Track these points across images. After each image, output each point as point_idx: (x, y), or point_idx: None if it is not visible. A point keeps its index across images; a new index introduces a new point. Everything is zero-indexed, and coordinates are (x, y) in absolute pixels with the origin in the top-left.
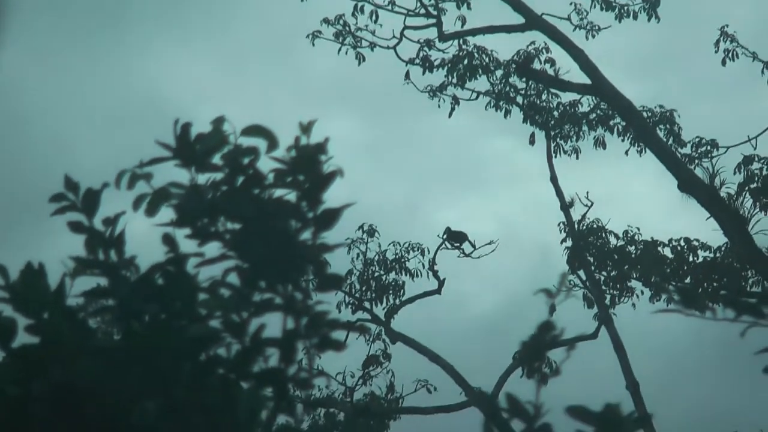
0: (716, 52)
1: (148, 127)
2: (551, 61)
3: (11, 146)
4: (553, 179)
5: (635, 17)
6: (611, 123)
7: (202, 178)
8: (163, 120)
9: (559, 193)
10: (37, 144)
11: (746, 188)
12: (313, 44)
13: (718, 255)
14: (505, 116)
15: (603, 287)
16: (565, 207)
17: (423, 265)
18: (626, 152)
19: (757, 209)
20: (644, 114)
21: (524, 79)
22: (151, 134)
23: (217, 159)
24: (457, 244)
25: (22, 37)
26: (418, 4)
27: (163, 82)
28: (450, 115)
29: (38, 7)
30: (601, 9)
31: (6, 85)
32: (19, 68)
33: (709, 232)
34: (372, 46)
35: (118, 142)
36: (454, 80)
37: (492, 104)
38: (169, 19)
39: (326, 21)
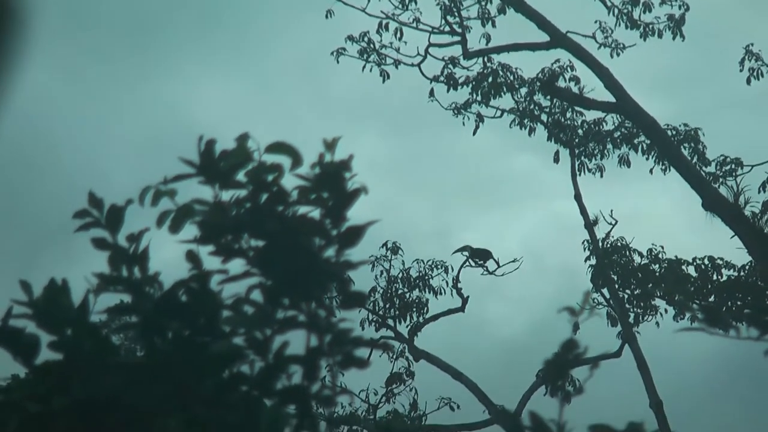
0: (741, 70)
1: (175, 148)
2: (576, 79)
3: (41, 169)
4: (578, 197)
5: (660, 36)
6: (636, 141)
7: (226, 195)
8: (189, 140)
9: (583, 211)
10: (67, 166)
11: None
12: (338, 61)
13: (742, 273)
14: (530, 134)
15: (627, 305)
16: (590, 225)
17: (447, 282)
18: (651, 170)
19: None
20: (669, 132)
21: (549, 97)
22: (177, 155)
23: (241, 176)
24: (481, 262)
25: (53, 61)
26: (443, 22)
27: (190, 102)
28: (474, 132)
29: (69, 31)
30: (626, 27)
31: (38, 109)
32: (51, 92)
33: (734, 251)
34: (396, 63)
35: (145, 162)
36: (479, 98)
37: (516, 122)
38: (195, 42)
39: (351, 38)
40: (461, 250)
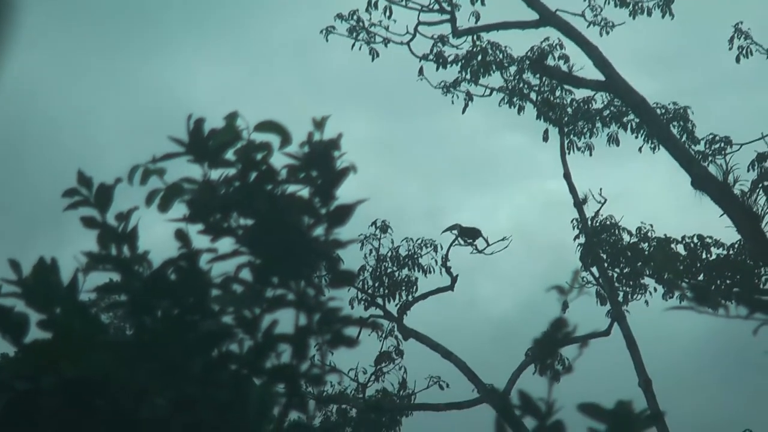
0: (730, 49)
1: (168, 128)
2: (565, 58)
3: (35, 150)
4: (567, 176)
5: (649, 14)
6: (625, 120)
7: (215, 174)
8: (182, 121)
9: (572, 189)
10: (61, 148)
11: (760, 185)
12: (327, 40)
13: (731, 252)
14: (519, 113)
15: (616, 284)
16: (579, 204)
17: (436, 261)
18: (640, 149)
19: None
20: (658, 111)
21: (538, 76)
22: (168, 135)
23: (230, 154)
24: (470, 241)
25: (46, 42)
26: (432, 0)
27: (182, 83)
28: (464, 111)
29: (64, 13)
30: (615, 5)
31: (32, 90)
32: (45, 73)
33: (723, 229)
34: (386, 41)
35: (139, 143)
36: (468, 76)
37: (506, 100)
38: (187, 22)
39: (340, 16)
40: (450, 228)
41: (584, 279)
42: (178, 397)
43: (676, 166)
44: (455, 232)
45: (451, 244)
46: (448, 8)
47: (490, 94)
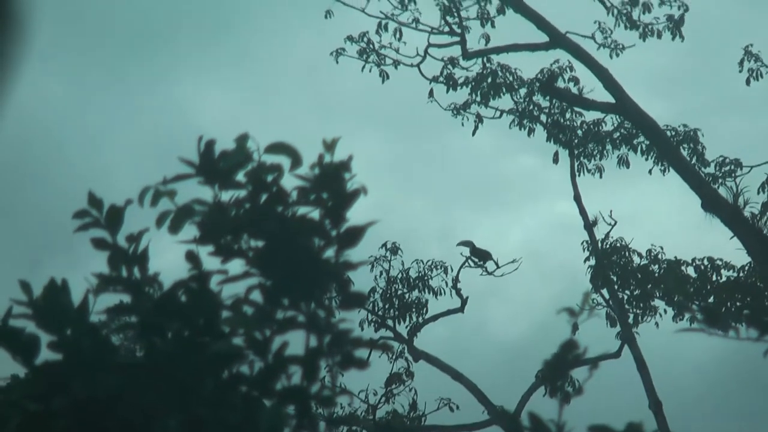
0: (740, 71)
1: (180, 152)
2: (575, 80)
3: (47, 172)
4: (577, 198)
5: (659, 36)
6: (635, 142)
7: (226, 196)
8: (191, 142)
9: (582, 211)
10: (73, 170)
11: None
12: (337, 62)
13: (741, 274)
14: (529, 135)
15: (626, 306)
16: (589, 226)
17: (446, 283)
18: (650, 171)
19: None
20: (668, 133)
21: (548, 98)
22: (179, 156)
23: (240, 176)
24: (481, 263)
25: (59, 66)
26: (442, 22)
27: (194, 106)
28: (474, 133)
29: (78, 38)
30: (626, 28)
31: (46, 114)
32: (58, 97)
33: (733, 252)
34: (396, 63)
35: (152, 166)
36: (478, 98)
37: (516, 122)
38: (198, 46)
39: (350, 38)
40: (464, 243)
41: (594, 301)
42: (189, 418)
43: (687, 188)
44: (467, 250)
45: (461, 266)
46: (458, 30)
47: (500, 116)
